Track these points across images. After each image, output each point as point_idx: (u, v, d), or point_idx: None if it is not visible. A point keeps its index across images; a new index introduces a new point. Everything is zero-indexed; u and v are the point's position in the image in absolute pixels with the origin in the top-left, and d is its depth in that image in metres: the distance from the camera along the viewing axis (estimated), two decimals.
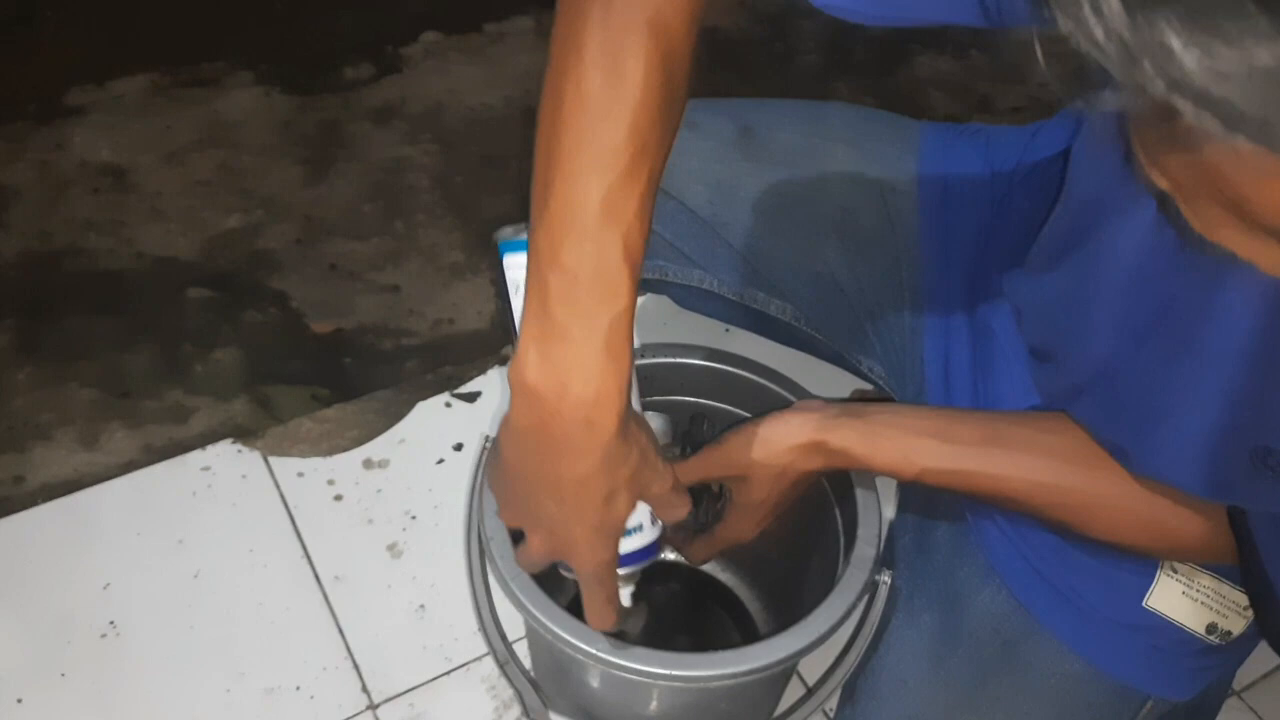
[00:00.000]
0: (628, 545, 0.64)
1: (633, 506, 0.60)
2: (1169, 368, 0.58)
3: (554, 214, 0.53)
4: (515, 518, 0.63)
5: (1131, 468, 0.62)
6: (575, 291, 0.53)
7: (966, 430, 0.67)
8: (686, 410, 0.85)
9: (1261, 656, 0.85)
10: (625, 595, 0.69)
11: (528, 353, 0.54)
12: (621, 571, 0.66)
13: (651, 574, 1.01)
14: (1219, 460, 0.56)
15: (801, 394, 0.82)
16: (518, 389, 0.55)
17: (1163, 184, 0.33)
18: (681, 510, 0.63)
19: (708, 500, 0.78)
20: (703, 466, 0.71)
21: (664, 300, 0.99)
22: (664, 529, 0.67)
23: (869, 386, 0.95)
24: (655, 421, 0.76)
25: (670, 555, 1.00)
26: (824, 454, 0.68)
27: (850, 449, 0.67)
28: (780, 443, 0.67)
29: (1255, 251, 0.32)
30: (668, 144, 0.55)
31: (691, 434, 0.76)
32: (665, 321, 1.11)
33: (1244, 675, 0.99)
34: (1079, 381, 0.67)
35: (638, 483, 0.58)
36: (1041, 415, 0.69)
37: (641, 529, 0.64)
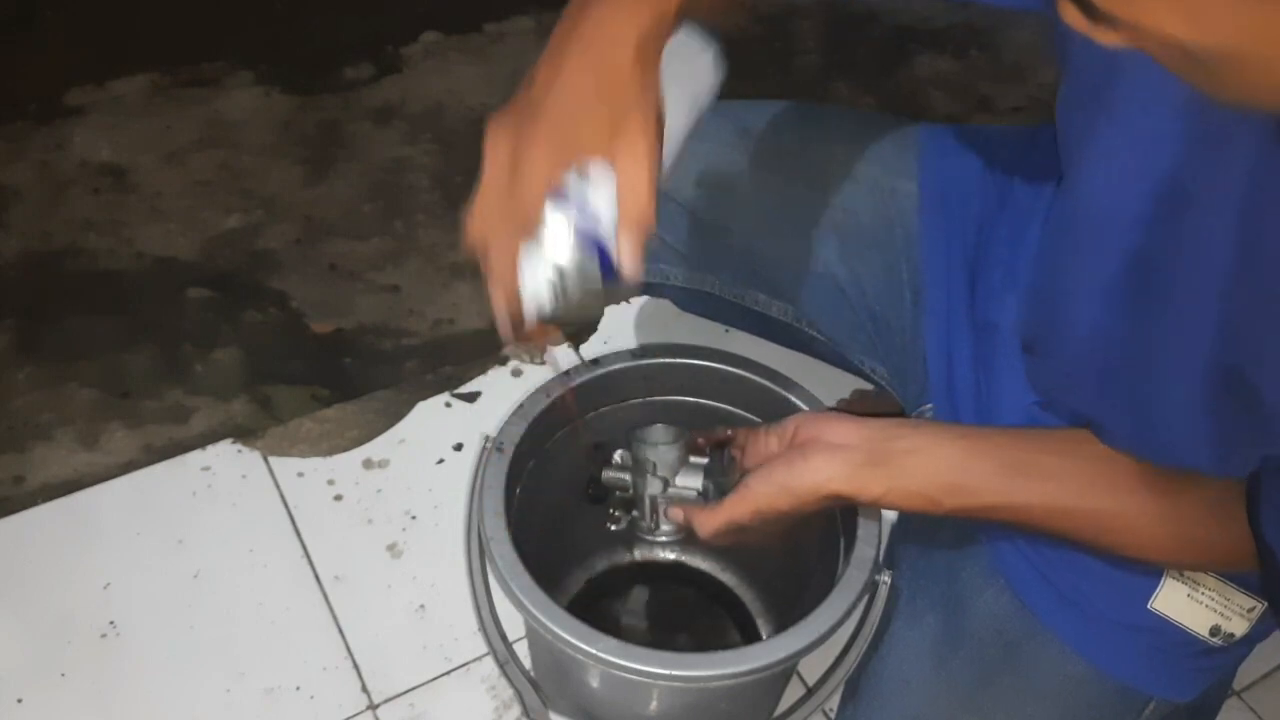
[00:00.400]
0: (577, 208, 0.58)
1: (609, 140, 0.57)
2: (1148, 324, 0.59)
3: None
4: (502, 120, 0.62)
5: (1128, 447, 0.63)
6: None
7: (988, 464, 0.67)
8: (685, 410, 0.85)
9: (1262, 656, 0.85)
10: (545, 281, 0.60)
11: None
12: (549, 226, 0.59)
13: (653, 574, 1.00)
14: (1216, 415, 0.57)
15: (802, 394, 0.82)
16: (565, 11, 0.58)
17: None
18: (645, 207, 0.57)
19: (719, 470, 0.76)
20: (727, 513, 0.71)
21: (664, 303, 0.99)
22: (617, 278, 0.59)
23: (870, 387, 0.95)
24: (671, 452, 0.76)
25: (670, 555, 1.00)
26: (849, 502, 0.70)
27: (878, 501, 0.69)
28: (808, 494, 0.68)
29: (1157, 15, 0.33)
30: None
31: (712, 465, 0.76)
32: (666, 324, 1.11)
33: (1244, 675, 0.99)
34: (1070, 368, 0.68)
35: (623, 125, 0.56)
36: (1060, 436, 0.69)
37: (600, 221, 0.58)
